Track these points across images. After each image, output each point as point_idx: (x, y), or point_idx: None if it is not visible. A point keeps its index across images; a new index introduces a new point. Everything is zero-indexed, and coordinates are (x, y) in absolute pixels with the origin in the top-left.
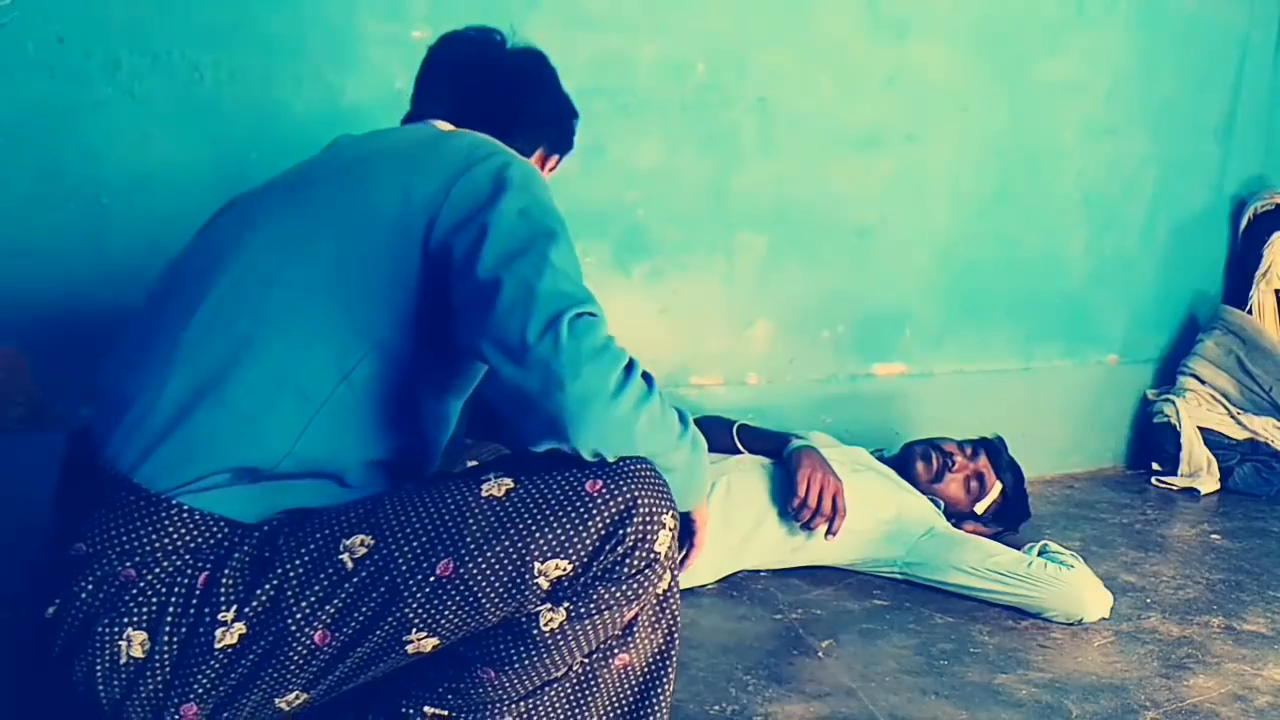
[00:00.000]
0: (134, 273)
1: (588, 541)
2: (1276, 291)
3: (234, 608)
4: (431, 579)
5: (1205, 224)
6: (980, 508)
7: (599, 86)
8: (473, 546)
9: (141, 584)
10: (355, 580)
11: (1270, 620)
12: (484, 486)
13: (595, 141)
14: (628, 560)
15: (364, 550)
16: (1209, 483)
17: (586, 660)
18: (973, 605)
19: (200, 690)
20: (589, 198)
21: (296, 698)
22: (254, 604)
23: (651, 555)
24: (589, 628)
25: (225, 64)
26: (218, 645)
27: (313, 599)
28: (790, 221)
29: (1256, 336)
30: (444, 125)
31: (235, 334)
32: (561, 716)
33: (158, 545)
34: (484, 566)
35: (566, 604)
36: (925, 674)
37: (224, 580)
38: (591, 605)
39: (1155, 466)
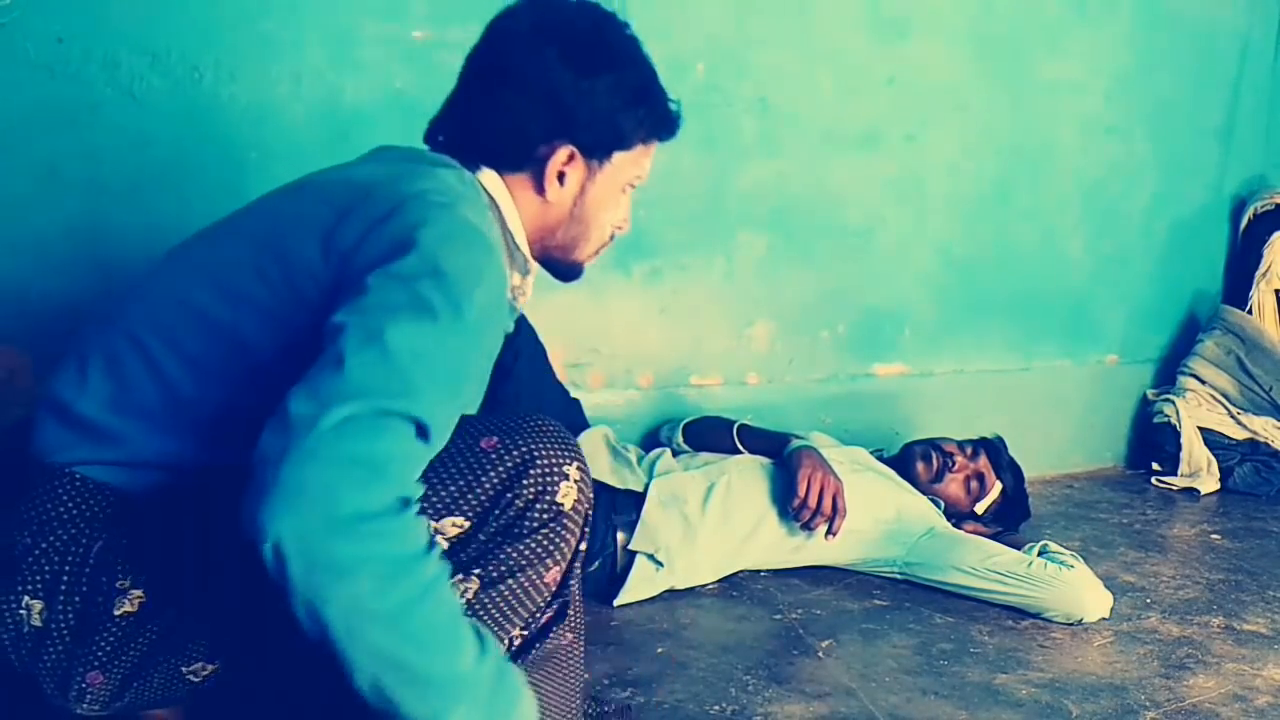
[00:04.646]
0: (134, 273)
1: (482, 496)
2: (1276, 291)
3: (130, 576)
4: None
5: (1205, 224)
6: (980, 508)
7: None
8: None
9: (36, 552)
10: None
11: (1270, 620)
12: None
13: None
14: (529, 514)
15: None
16: (1209, 483)
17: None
18: (973, 605)
19: (103, 658)
20: None
21: (203, 668)
22: (151, 573)
23: (555, 507)
24: (508, 593)
25: (225, 64)
26: (116, 613)
27: (215, 568)
28: (790, 221)
29: (1256, 336)
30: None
31: (137, 339)
32: None
33: (52, 513)
34: None
35: (476, 570)
36: (925, 674)
37: (120, 548)
38: (502, 568)
39: (1155, 466)
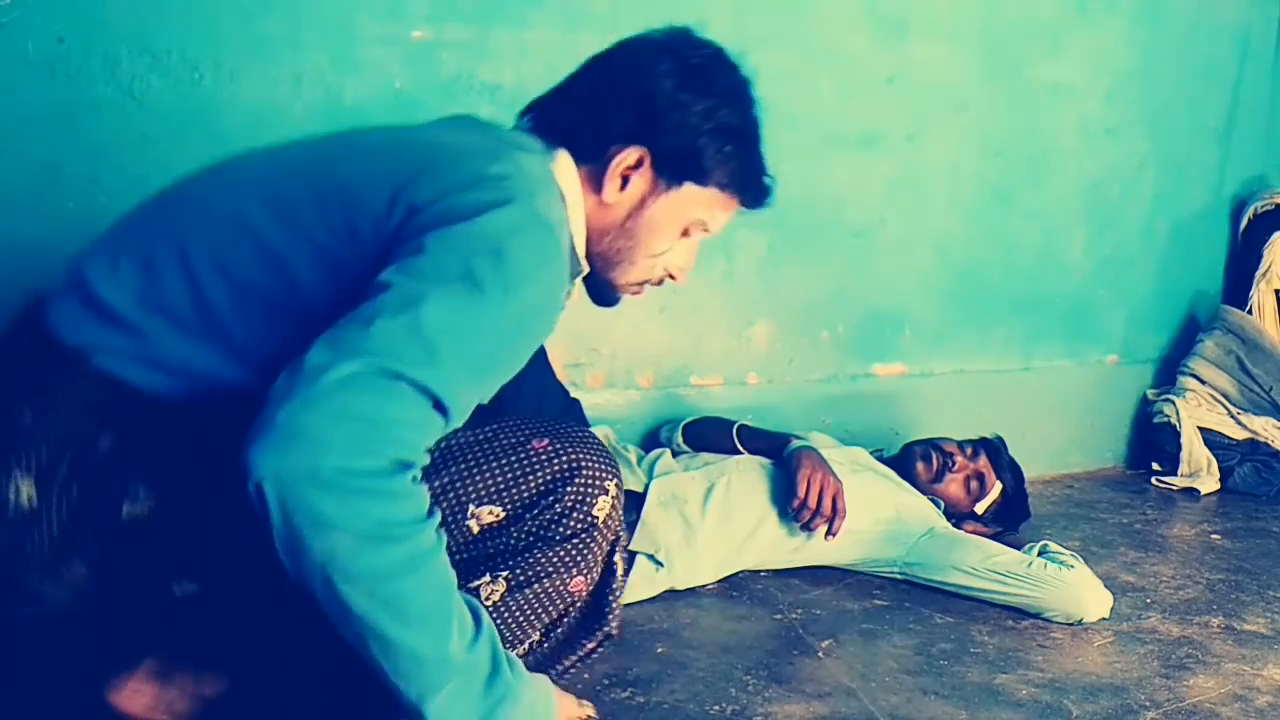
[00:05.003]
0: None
1: (524, 493)
2: (1276, 291)
3: (144, 480)
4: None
5: (1205, 224)
6: (980, 508)
7: None
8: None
9: (38, 432)
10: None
11: (1270, 620)
12: None
13: None
14: (564, 520)
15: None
16: (1209, 483)
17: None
18: (973, 605)
19: (95, 554)
20: None
21: (192, 586)
22: (167, 479)
23: (590, 519)
24: (532, 598)
25: (225, 64)
26: (123, 513)
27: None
28: (790, 221)
29: (1256, 336)
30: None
31: (181, 246)
32: None
33: (60, 396)
34: None
35: (504, 572)
36: (925, 674)
37: (134, 449)
38: (530, 572)
39: (1155, 466)
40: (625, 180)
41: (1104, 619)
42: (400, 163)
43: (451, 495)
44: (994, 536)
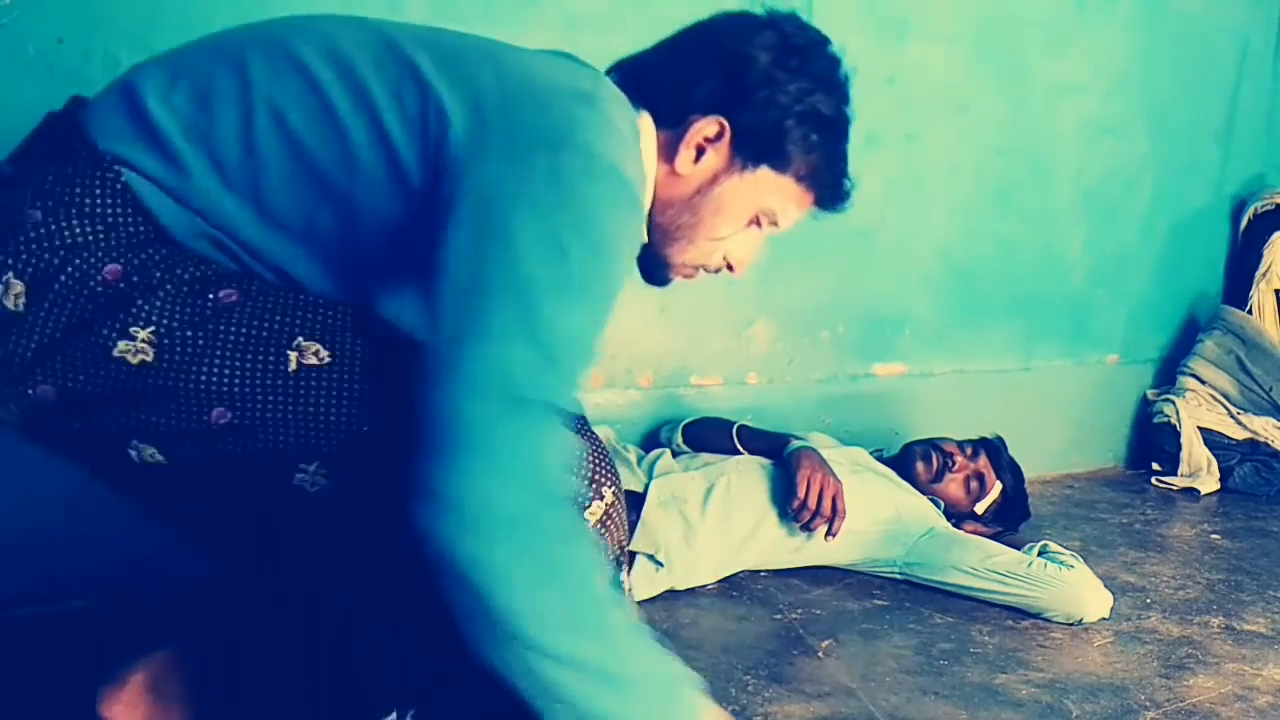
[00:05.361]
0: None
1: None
2: (1276, 291)
3: (151, 330)
4: (361, 430)
5: (1205, 224)
6: (980, 508)
7: None
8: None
9: (43, 232)
10: (290, 385)
11: (1270, 620)
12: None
13: None
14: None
15: (314, 361)
16: (1209, 483)
17: None
18: (973, 605)
19: (68, 381)
20: None
21: (154, 456)
22: (177, 342)
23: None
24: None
25: None
26: (113, 351)
27: (236, 374)
28: None
29: (1256, 336)
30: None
31: (245, 83)
32: None
33: (77, 200)
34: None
35: None
36: (925, 674)
37: (150, 294)
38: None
39: (1155, 466)
40: (700, 152)
41: (1104, 619)
42: (485, 77)
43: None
44: (994, 536)
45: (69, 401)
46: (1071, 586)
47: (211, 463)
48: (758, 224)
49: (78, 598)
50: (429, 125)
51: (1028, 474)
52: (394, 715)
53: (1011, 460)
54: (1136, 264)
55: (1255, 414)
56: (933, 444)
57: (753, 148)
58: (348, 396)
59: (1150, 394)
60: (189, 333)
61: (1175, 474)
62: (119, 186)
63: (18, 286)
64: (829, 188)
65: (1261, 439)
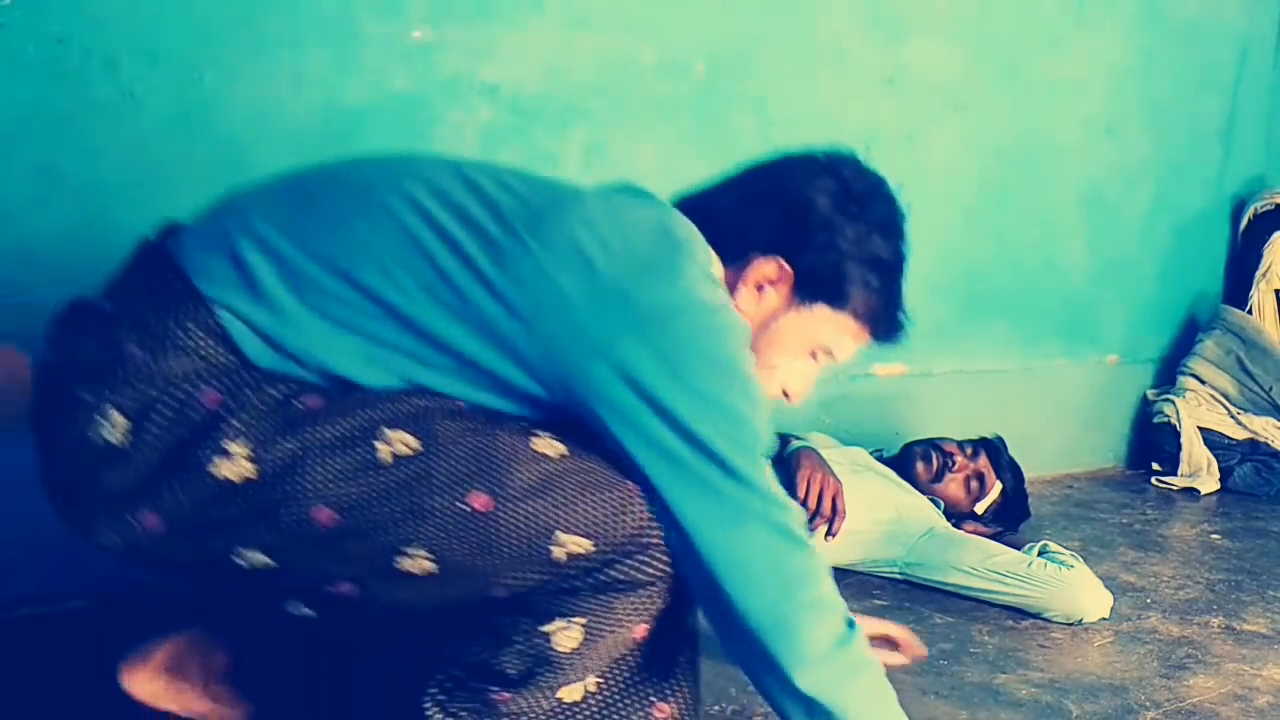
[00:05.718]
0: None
1: (617, 532)
2: (1276, 291)
3: (246, 445)
4: (460, 506)
5: (1205, 224)
6: (980, 508)
7: (599, 86)
8: (513, 492)
9: (143, 367)
10: (386, 475)
11: (1270, 620)
12: (535, 441)
13: (595, 141)
14: (644, 567)
15: (406, 450)
16: (1209, 483)
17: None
18: (973, 605)
19: (171, 507)
20: None
21: (262, 560)
22: (272, 452)
23: (666, 569)
24: (604, 647)
25: (225, 64)
26: (211, 471)
27: (334, 474)
28: None
29: (1256, 336)
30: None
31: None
32: None
33: (176, 339)
34: (516, 515)
35: (581, 619)
36: (925, 674)
37: (241, 412)
38: (608, 620)
39: (1155, 466)
40: (760, 289)
41: (1104, 619)
42: (582, 234)
43: (545, 519)
44: (994, 536)
45: (174, 525)
46: (1071, 586)
47: (318, 559)
48: (814, 356)
49: (78, 598)
50: (529, 286)
51: (1028, 474)
52: (559, 621)
53: (1011, 460)
54: (1137, 264)
55: (1255, 414)
56: (933, 444)
57: (812, 287)
58: (441, 480)
59: (1150, 394)
60: (283, 442)
61: (1175, 474)
62: (216, 327)
63: (121, 421)
64: (885, 324)
65: (1261, 439)
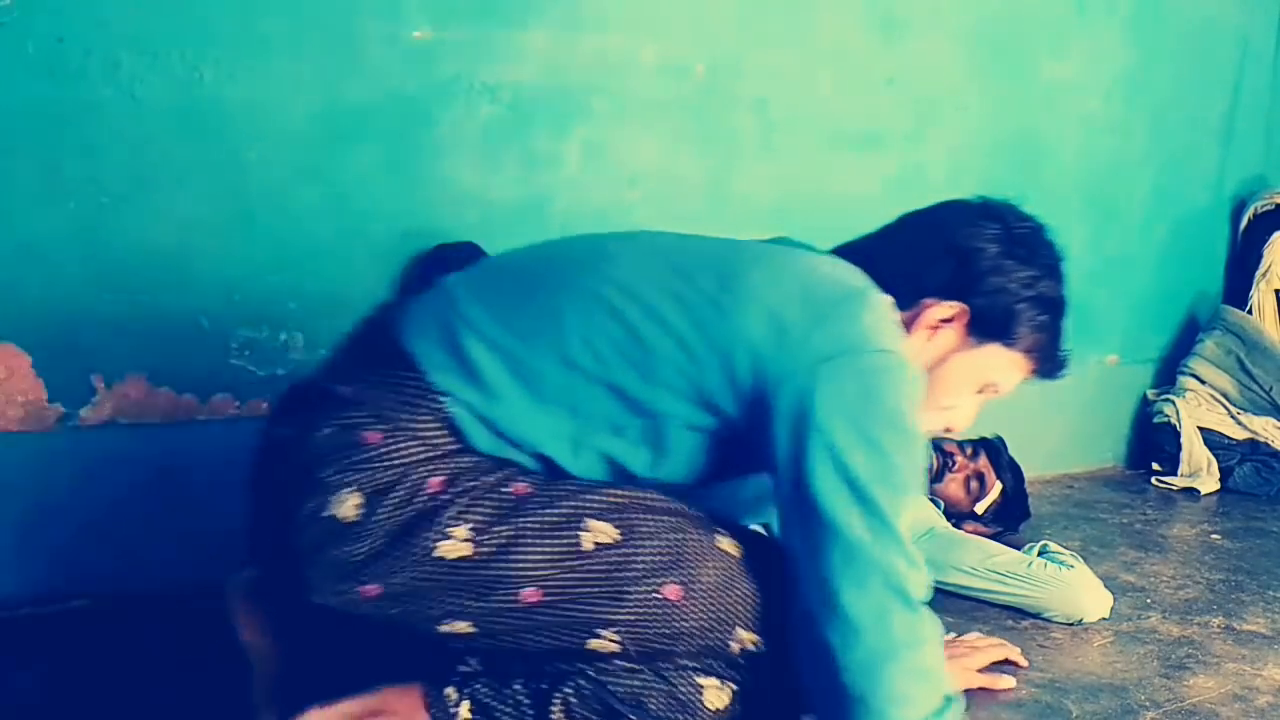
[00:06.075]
0: (134, 273)
1: (777, 625)
2: (1276, 291)
3: (468, 528)
4: (655, 596)
5: (1205, 224)
6: (980, 508)
7: (599, 86)
8: (702, 588)
9: (380, 452)
10: (588, 563)
11: (1270, 620)
12: (720, 539)
13: (595, 141)
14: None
15: (607, 540)
16: (1209, 483)
17: None
18: (973, 605)
19: (394, 582)
20: (589, 198)
21: (465, 629)
22: (489, 537)
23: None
24: (743, 709)
25: (225, 64)
26: (434, 552)
27: (543, 558)
28: (790, 221)
29: (1256, 336)
30: (835, 265)
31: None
32: None
33: (409, 427)
34: (702, 609)
35: (732, 684)
36: None
37: (462, 497)
38: (754, 691)
39: (1155, 466)
40: (934, 331)
41: (1104, 619)
42: (768, 290)
43: (727, 615)
44: (994, 536)
45: (391, 595)
46: (1071, 586)
47: (517, 631)
48: (983, 392)
49: (78, 598)
50: (727, 346)
51: (1028, 474)
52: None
53: (1011, 460)
54: (1136, 264)
55: (1255, 414)
56: (932, 444)
57: (985, 327)
58: (639, 569)
59: (1150, 394)
60: (499, 527)
61: (1175, 474)
62: (445, 417)
63: (356, 499)
64: (1050, 361)
65: (1261, 439)
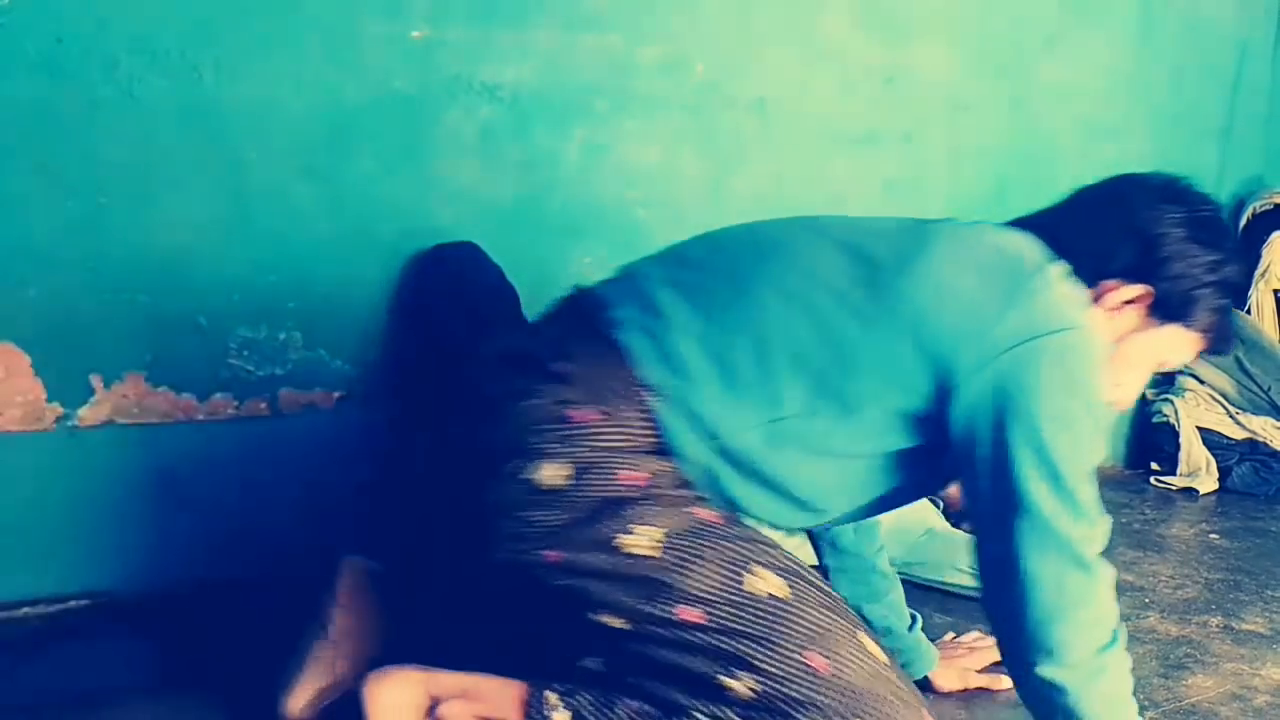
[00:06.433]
0: (133, 272)
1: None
2: (1275, 291)
3: (656, 530)
4: (806, 662)
5: None
6: None
7: (599, 86)
8: (848, 674)
9: (587, 432)
10: (757, 606)
11: (1269, 620)
12: (862, 636)
13: (595, 141)
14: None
15: (779, 595)
16: (1208, 482)
17: None
18: (973, 605)
19: (571, 552)
20: (589, 197)
21: (617, 624)
22: (672, 546)
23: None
24: None
25: (225, 64)
26: (618, 541)
27: (716, 584)
28: None
29: (1256, 336)
30: (1017, 241)
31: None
32: None
33: (617, 417)
34: (840, 692)
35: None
36: None
37: (652, 498)
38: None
39: (1154, 466)
40: (1116, 310)
41: None
42: (950, 273)
43: (852, 704)
44: None
45: (568, 568)
46: None
47: (662, 644)
48: (1156, 367)
49: (78, 598)
50: (915, 326)
51: None
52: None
53: None
54: None
55: (1254, 414)
56: None
57: (1166, 310)
58: (797, 630)
59: (1149, 394)
60: (683, 541)
61: (1174, 474)
62: (647, 410)
63: (558, 469)
64: (1223, 339)
65: (1260, 439)
